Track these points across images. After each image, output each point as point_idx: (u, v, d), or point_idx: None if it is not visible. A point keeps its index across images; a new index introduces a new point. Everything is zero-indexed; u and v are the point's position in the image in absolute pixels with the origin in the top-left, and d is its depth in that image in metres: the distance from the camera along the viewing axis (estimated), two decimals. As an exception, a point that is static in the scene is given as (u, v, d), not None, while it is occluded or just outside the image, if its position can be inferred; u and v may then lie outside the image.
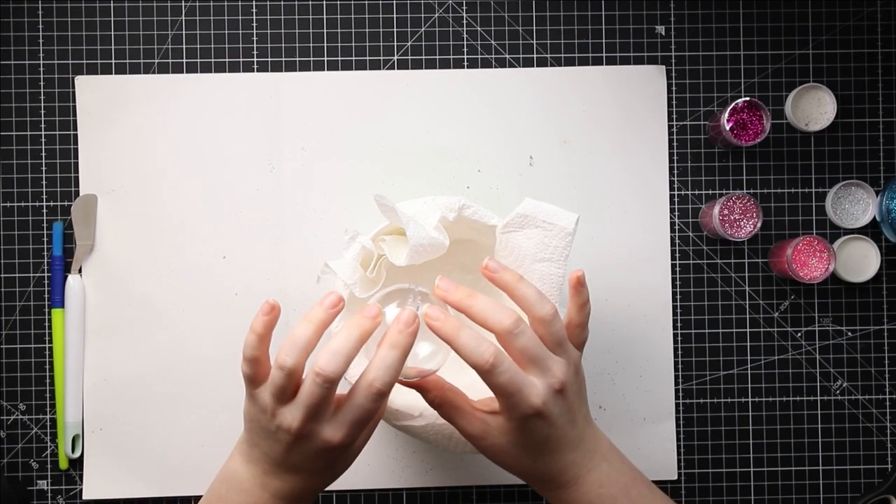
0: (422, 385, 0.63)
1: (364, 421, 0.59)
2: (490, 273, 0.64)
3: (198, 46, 0.83)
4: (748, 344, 0.84)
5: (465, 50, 0.83)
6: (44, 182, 0.82)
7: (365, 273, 0.72)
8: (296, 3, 0.83)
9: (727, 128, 0.79)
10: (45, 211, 0.82)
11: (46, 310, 0.82)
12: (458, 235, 0.75)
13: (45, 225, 0.82)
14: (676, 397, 0.83)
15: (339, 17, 0.83)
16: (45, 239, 0.82)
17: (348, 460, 0.64)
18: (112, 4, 0.83)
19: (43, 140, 0.82)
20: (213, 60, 0.83)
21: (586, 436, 0.64)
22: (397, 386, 0.73)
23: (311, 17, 0.83)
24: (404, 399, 0.72)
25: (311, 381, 0.57)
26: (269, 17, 0.83)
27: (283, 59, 0.83)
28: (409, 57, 0.83)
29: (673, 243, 0.84)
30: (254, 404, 0.61)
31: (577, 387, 0.64)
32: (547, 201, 0.83)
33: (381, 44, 0.83)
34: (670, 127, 0.84)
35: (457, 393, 0.64)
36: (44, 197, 0.82)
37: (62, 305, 0.82)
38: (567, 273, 0.69)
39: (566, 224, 0.69)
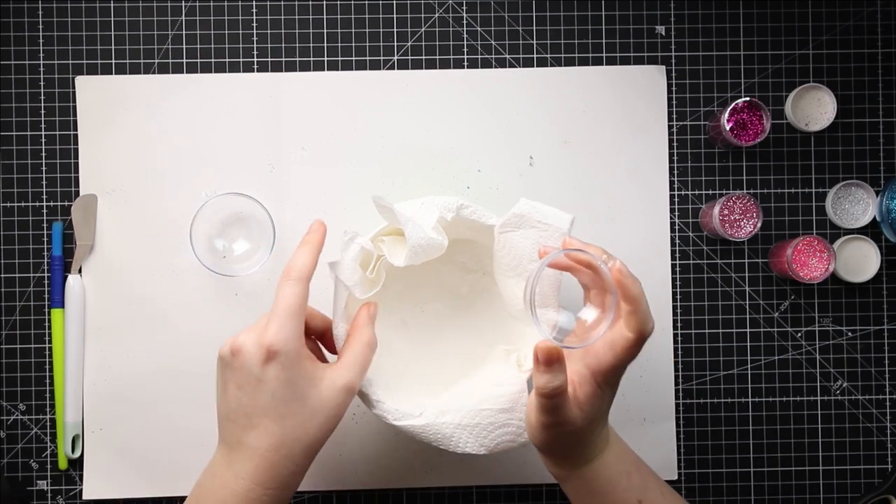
0: (562, 360, 0.60)
1: (292, 311, 0.63)
2: (595, 259, 0.63)
3: (198, 46, 0.83)
4: (748, 344, 0.84)
5: (465, 50, 0.83)
6: (44, 182, 0.82)
7: (364, 274, 0.72)
8: (296, 3, 0.83)
9: (727, 128, 0.79)
10: (45, 211, 0.82)
11: (46, 310, 0.82)
12: (456, 235, 0.75)
13: (45, 225, 0.82)
14: (676, 397, 0.83)
15: (339, 17, 0.83)
16: (45, 239, 0.82)
17: (311, 402, 0.63)
18: (112, 4, 0.83)
19: (43, 140, 0.82)
20: (213, 60, 0.83)
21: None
22: (395, 387, 0.74)
23: (311, 17, 0.83)
24: (402, 399, 0.72)
25: (282, 285, 0.65)
26: (269, 17, 0.83)
27: (283, 59, 0.83)
28: (409, 57, 0.83)
29: (673, 243, 0.84)
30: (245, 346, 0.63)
31: None
32: (547, 201, 0.83)
33: (381, 44, 0.83)
34: (670, 127, 0.84)
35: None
36: (44, 197, 0.82)
37: (62, 305, 0.82)
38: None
39: (561, 224, 0.69)
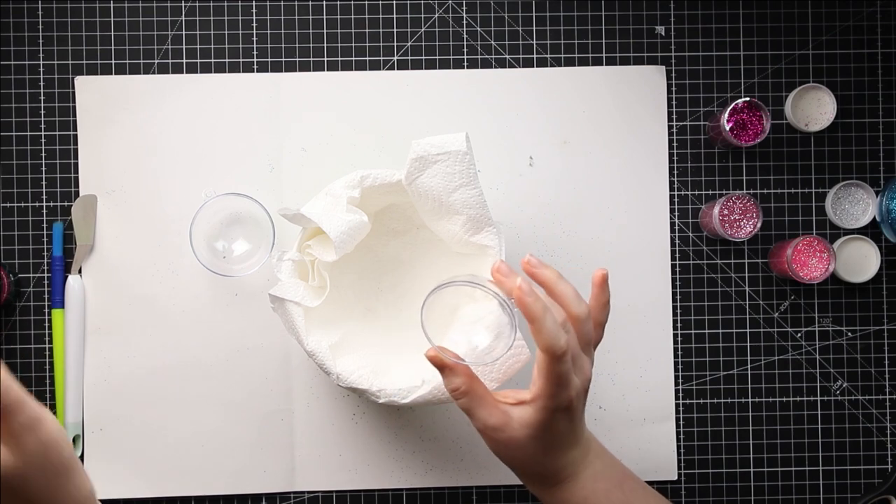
0: (454, 368, 0.62)
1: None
2: (531, 269, 0.65)
3: (198, 46, 0.83)
4: (748, 344, 0.84)
5: (465, 50, 0.83)
6: (44, 182, 0.82)
7: (308, 283, 0.72)
8: (296, 3, 0.83)
9: (727, 128, 0.79)
10: (45, 211, 0.82)
11: (46, 310, 0.82)
12: (379, 205, 0.75)
13: (45, 225, 0.82)
14: (676, 397, 0.83)
15: (339, 17, 0.83)
16: (45, 239, 0.82)
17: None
18: (112, 4, 0.83)
19: (43, 140, 0.82)
20: (213, 60, 0.83)
21: (586, 434, 0.66)
22: (388, 369, 0.73)
23: (311, 17, 0.83)
24: (400, 377, 0.72)
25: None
26: (269, 17, 0.83)
27: (283, 59, 0.83)
28: (409, 57, 0.83)
29: (673, 243, 0.84)
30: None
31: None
32: (547, 201, 0.83)
33: (381, 44, 0.83)
34: (670, 127, 0.84)
35: (481, 383, 0.63)
36: (44, 197, 0.82)
37: (62, 306, 0.82)
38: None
39: (458, 147, 0.69)
